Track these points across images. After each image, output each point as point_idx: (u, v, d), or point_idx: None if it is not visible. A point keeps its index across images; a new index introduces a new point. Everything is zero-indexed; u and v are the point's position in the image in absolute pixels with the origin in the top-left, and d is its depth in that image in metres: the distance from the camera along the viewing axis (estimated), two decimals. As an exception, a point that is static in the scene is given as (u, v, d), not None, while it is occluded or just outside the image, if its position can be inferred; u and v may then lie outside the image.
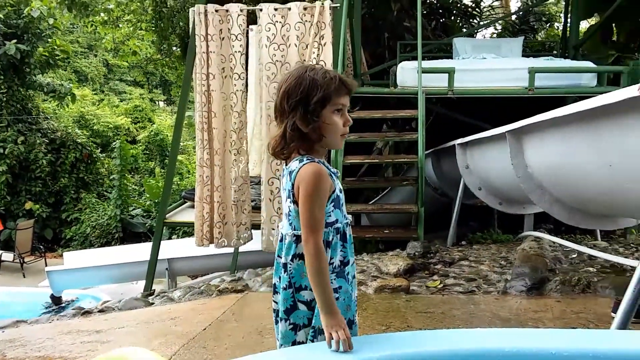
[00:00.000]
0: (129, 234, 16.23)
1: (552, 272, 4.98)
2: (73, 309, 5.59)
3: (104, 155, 19.08)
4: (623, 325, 2.34)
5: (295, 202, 1.94)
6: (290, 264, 1.98)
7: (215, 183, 6.42)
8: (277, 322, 2.05)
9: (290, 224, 1.99)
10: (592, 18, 11.80)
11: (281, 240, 2.04)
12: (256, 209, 6.81)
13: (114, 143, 17.80)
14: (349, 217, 2.06)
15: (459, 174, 6.96)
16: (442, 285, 4.92)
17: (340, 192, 2.01)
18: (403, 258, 5.55)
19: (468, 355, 1.81)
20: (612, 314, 3.17)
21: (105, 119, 20.22)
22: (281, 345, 2.02)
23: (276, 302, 2.05)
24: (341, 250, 2.00)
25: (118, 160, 16.93)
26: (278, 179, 6.27)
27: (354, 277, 2.06)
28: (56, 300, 7.97)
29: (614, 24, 10.50)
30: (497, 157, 5.64)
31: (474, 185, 6.80)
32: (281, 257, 2.02)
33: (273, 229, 6.33)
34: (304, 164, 1.91)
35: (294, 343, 1.98)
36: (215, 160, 6.42)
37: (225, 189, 6.44)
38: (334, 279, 1.95)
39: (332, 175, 1.97)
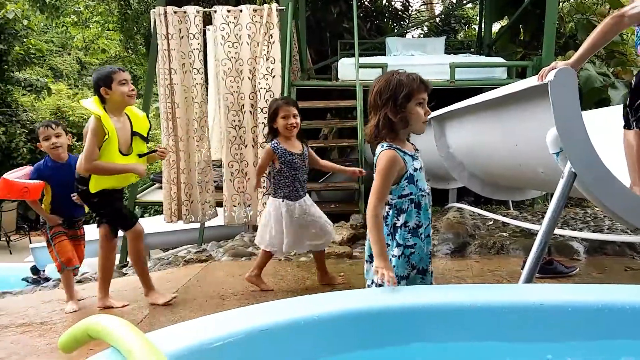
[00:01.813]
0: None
1: (472, 237, 5.08)
2: (54, 281, 5.42)
3: (79, 143, 18.55)
4: (528, 280, 2.40)
5: None
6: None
7: (181, 166, 6.34)
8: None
9: None
10: (502, 20, 11.99)
11: None
12: (219, 188, 6.77)
13: (87, 132, 17.33)
14: (427, 189, 2.25)
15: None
16: (379, 250, 4.97)
17: (416, 170, 2.18)
18: (347, 229, 5.58)
19: (401, 309, 1.84)
20: (521, 271, 3.26)
21: (80, 111, 19.55)
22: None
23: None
24: (416, 216, 2.16)
25: (92, 147, 16.51)
26: (237, 162, 6.26)
27: (427, 235, 2.22)
28: (35, 272, 7.73)
29: (520, 25, 10.70)
30: (424, 140, 5.70)
31: (406, 164, 6.86)
32: None
33: (234, 206, 6.30)
34: (383, 149, 2.13)
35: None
36: (180, 146, 6.33)
37: (190, 172, 6.37)
38: (410, 238, 2.15)
39: (410, 157, 2.17)
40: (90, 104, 3.31)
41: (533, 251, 2.38)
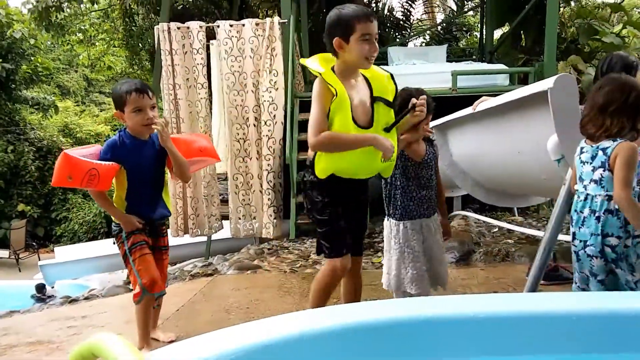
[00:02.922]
0: (113, 229, 15.93)
1: (477, 244, 5.05)
2: (61, 298, 5.43)
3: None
4: (533, 288, 2.38)
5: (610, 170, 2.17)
6: (602, 216, 2.19)
7: (186, 180, 6.35)
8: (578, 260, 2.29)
9: (603, 187, 2.20)
10: (504, 27, 11.98)
11: (585, 200, 2.25)
12: (224, 202, 6.79)
13: (95, 149, 17.47)
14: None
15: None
16: (384, 260, 4.94)
17: None
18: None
19: (407, 320, 1.82)
20: (527, 278, 3.23)
21: (87, 128, 19.67)
22: (596, 278, 2.23)
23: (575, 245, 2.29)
24: None
25: (100, 163, 16.62)
26: (242, 174, 6.29)
27: None
28: (39, 290, 7.72)
29: (522, 32, 10.69)
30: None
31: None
32: (583, 212, 2.24)
33: (239, 218, 6.32)
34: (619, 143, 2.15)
35: (608, 273, 2.21)
36: (185, 160, 6.33)
37: (196, 186, 6.39)
38: None
39: None
40: (312, 61, 2.56)
41: (537, 258, 2.36)
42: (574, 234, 2.29)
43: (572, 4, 12.24)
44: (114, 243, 2.90)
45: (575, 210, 2.29)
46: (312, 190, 2.54)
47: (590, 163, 2.23)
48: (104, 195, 2.75)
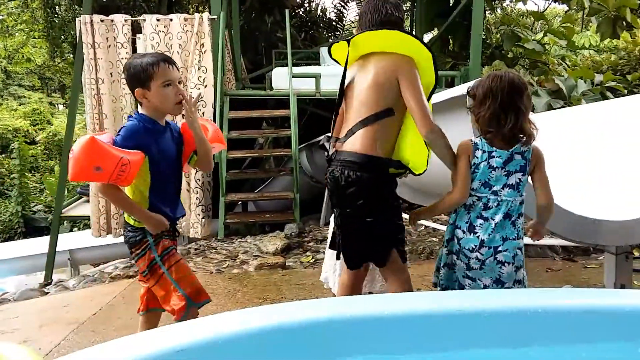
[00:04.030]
0: (31, 229, 15.14)
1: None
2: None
3: (3, 156, 17.73)
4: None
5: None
6: (517, 221, 2.21)
7: (110, 179, 6.13)
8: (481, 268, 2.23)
9: (519, 191, 2.21)
10: (433, 31, 12.30)
11: (497, 206, 2.20)
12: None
13: (12, 144, 16.55)
14: None
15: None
16: (313, 260, 4.96)
17: None
18: (280, 238, 5.54)
19: (324, 321, 1.81)
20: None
21: (4, 122, 18.66)
22: (504, 286, 2.22)
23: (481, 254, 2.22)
24: None
25: (17, 160, 15.74)
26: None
27: None
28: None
29: (450, 36, 11.02)
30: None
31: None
32: (494, 219, 2.19)
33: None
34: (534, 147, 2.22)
35: (516, 282, 2.24)
36: (108, 158, 6.12)
37: (119, 184, 6.17)
38: None
39: None
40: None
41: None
42: (482, 241, 2.20)
43: (498, 11, 12.75)
44: (131, 255, 2.41)
45: (483, 218, 2.22)
46: (378, 190, 2.29)
47: (503, 168, 2.20)
48: (123, 192, 2.29)
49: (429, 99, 2.36)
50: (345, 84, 2.47)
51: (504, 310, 1.82)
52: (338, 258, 2.47)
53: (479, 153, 2.22)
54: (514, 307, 1.84)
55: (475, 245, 2.22)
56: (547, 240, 4.54)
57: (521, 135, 2.20)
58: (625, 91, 8.38)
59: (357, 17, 17.90)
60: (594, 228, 2.76)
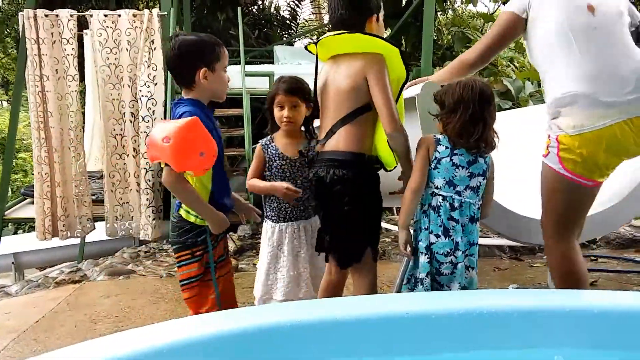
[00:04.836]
0: (-29, 231, 14.46)
1: (356, 243, 5.15)
2: None
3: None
4: (399, 289, 2.45)
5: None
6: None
7: (56, 179, 5.94)
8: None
9: (478, 195, 2.24)
10: (386, 31, 12.42)
11: (460, 207, 2.20)
12: (99, 201, 6.43)
13: (-47, 142, 15.82)
14: None
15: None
16: (266, 261, 4.90)
17: None
18: (233, 240, 5.48)
19: (275, 326, 1.79)
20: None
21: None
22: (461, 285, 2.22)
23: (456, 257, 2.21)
24: None
25: (-42, 157, 15.09)
26: (119, 172, 5.98)
27: None
28: None
29: (402, 37, 11.13)
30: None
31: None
32: (460, 222, 2.20)
33: (117, 218, 6.02)
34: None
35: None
36: (54, 157, 5.93)
37: (66, 184, 5.98)
38: None
39: None
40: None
41: (405, 261, 2.42)
42: (457, 244, 2.19)
43: (450, 12, 12.97)
44: (182, 257, 2.16)
45: (455, 220, 2.19)
46: (364, 186, 2.29)
47: (467, 169, 2.19)
48: (187, 182, 2.07)
49: (400, 92, 2.39)
50: (319, 84, 2.49)
51: (451, 313, 1.84)
52: (327, 260, 2.48)
53: (441, 148, 2.21)
54: (462, 308, 1.87)
55: (451, 249, 2.20)
56: (494, 240, 4.64)
57: (483, 145, 2.21)
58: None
59: (311, 16, 17.87)
60: (532, 228, 2.81)
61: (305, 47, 2.63)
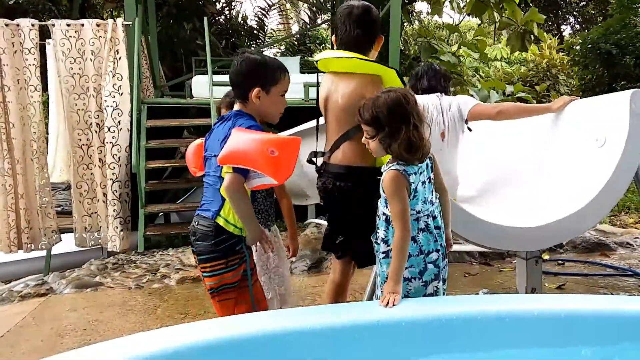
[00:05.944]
0: None
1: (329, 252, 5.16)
2: None
3: None
4: (370, 297, 2.46)
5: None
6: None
7: (19, 191, 5.80)
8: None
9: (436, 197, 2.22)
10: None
11: (435, 218, 2.18)
12: (66, 213, 6.31)
13: None
14: None
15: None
16: (237, 270, 4.88)
17: None
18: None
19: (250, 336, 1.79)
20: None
21: None
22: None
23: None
24: None
25: None
26: (86, 182, 5.90)
27: None
28: None
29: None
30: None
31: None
32: (440, 227, 2.19)
33: (85, 228, 5.93)
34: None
35: (424, 296, 2.15)
36: (17, 169, 5.79)
37: (29, 196, 5.85)
38: None
39: None
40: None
41: (376, 267, 2.44)
42: (443, 255, 2.19)
43: (416, 23, 13.19)
44: (215, 266, 2.17)
45: (438, 227, 2.18)
46: (370, 197, 2.30)
47: (429, 177, 2.16)
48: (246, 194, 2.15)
49: None
50: (321, 96, 2.63)
51: (421, 319, 1.87)
52: (338, 258, 2.65)
53: (412, 177, 2.09)
54: (434, 314, 1.90)
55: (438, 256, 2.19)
56: (464, 246, 4.72)
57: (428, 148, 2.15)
58: (534, 101, 8.88)
59: (279, 26, 17.91)
60: (499, 234, 2.86)
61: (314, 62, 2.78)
